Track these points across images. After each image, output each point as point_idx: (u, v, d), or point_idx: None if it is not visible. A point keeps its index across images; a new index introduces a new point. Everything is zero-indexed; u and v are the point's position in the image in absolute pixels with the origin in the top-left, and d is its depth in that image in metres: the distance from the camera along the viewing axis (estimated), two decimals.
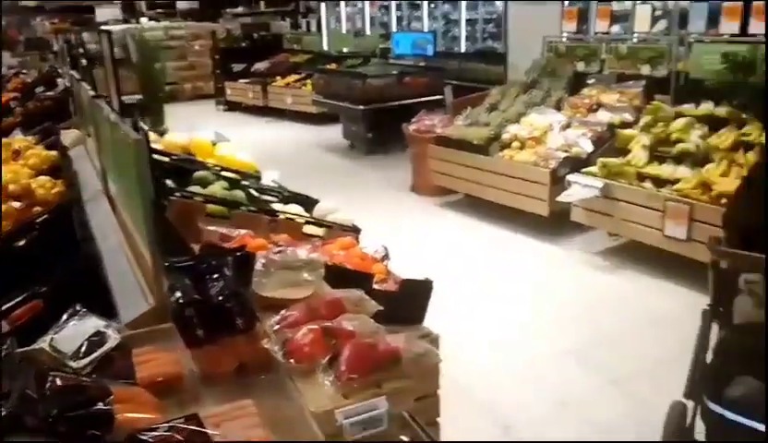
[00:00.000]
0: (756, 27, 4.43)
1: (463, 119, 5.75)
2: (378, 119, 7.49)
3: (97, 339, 1.50)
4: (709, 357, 2.17)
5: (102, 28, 4.91)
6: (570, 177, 4.43)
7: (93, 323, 1.54)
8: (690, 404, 2.25)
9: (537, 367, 3.16)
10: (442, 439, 2.32)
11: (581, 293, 3.97)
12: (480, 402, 2.89)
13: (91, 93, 3.06)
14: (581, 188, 4.30)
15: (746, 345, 2.05)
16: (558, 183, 4.56)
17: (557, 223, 4.76)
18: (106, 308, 1.88)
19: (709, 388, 2.09)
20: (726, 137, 4.11)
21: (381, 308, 1.56)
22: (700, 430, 2.16)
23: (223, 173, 3.03)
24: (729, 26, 4.64)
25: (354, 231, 2.77)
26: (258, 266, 1.72)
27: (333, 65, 9.76)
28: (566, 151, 4.74)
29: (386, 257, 2.54)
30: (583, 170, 4.47)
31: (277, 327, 1.44)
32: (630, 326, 3.52)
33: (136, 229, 2.05)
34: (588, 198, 4.29)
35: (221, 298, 1.41)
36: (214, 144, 3.71)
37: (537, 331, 3.51)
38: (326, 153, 8.11)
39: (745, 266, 2.09)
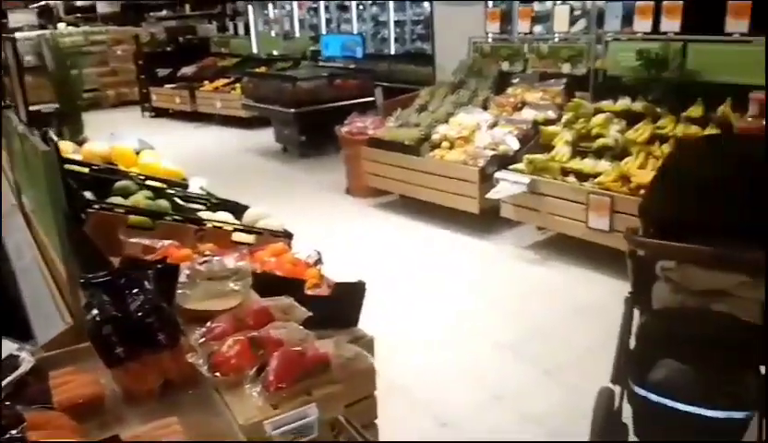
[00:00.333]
0: (667, 25, 4.66)
1: (394, 120, 5.80)
2: (310, 122, 7.45)
3: (9, 363, 1.42)
4: (633, 343, 2.27)
5: (7, 34, 4.65)
6: (497, 174, 4.55)
7: (6, 347, 1.45)
8: (617, 389, 2.34)
9: (473, 363, 3.22)
10: (380, 440, 2.33)
11: (513, 286, 4.07)
12: (418, 401, 2.92)
13: None
14: (508, 185, 4.41)
15: (665, 329, 2.15)
16: (487, 180, 4.66)
17: (488, 220, 4.87)
18: (22, 330, 1.78)
19: (633, 372, 2.18)
20: (642, 131, 4.31)
21: (310, 314, 1.55)
22: (628, 414, 2.25)
23: (147, 183, 2.93)
24: (642, 24, 4.85)
25: (286, 236, 2.74)
26: (183, 277, 1.67)
27: (263, 69, 9.63)
28: (493, 149, 4.86)
29: (319, 261, 2.53)
30: (511, 167, 4.59)
31: (202, 340, 1.40)
32: (560, 316, 3.64)
33: (51, 245, 1.95)
34: (516, 194, 4.41)
35: (141, 313, 1.36)
36: (137, 152, 3.58)
37: (473, 327, 3.57)
38: (258, 158, 7.99)
39: (660, 254, 2.19)
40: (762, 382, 2.10)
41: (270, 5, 13.69)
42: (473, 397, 2.93)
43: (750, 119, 3.69)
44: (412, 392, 2.97)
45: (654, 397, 2.09)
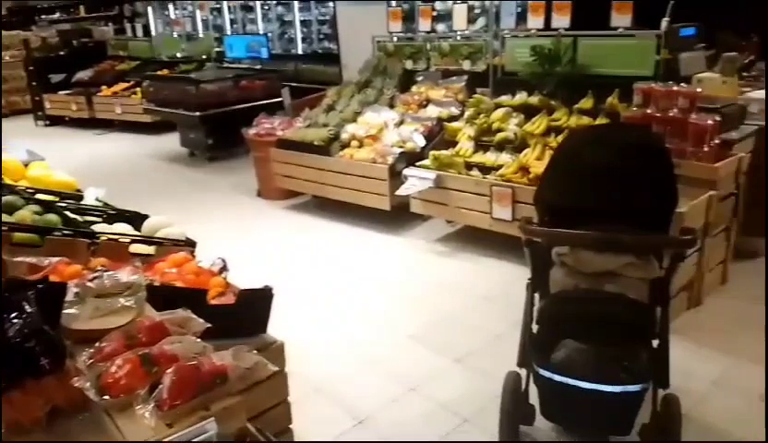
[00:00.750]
0: (558, 21, 4.89)
1: (303, 121, 5.76)
2: (217, 124, 7.26)
3: None
4: (536, 327, 2.38)
5: None
6: (406, 171, 4.62)
7: None
8: (523, 372, 2.44)
9: (388, 357, 3.26)
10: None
11: (424, 279, 4.16)
12: (335, 400, 2.92)
13: None
14: (416, 181, 4.50)
15: (562, 312, 2.26)
16: (396, 177, 4.73)
17: (399, 216, 4.94)
18: None
19: (537, 355, 2.29)
20: (539, 124, 4.51)
21: (209, 326, 1.51)
22: (536, 395, 2.35)
23: (36, 196, 2.75)
24: (535, 21, 5.07)
25: (189, 245, 2.66)
26: (70, 296, 1.58)
27: (165, 71, 9.28)
28: (401, 147, 4.93)
29: (224, 268, 2.47)
30: (418, 163, 4.68)
31: (90, 361, 1.34)
32: (470, 305, 3.75)
33: None
34: (424, 190, 4.50)
35: (19, 338, 1.28)
36: (26, 164, 3.37)
37: (387, 322, 3.61)
38: (163, 164, 7.70)
39: (551, 240, 2.30)
40: (653, 355, 2.26)
41: (171, 6, 13.21)
42: (388, 391, 2.97)
43: (635, 108, 3.94)
44: (328, 393, 2.97)
45: (557, 377, 2.20)
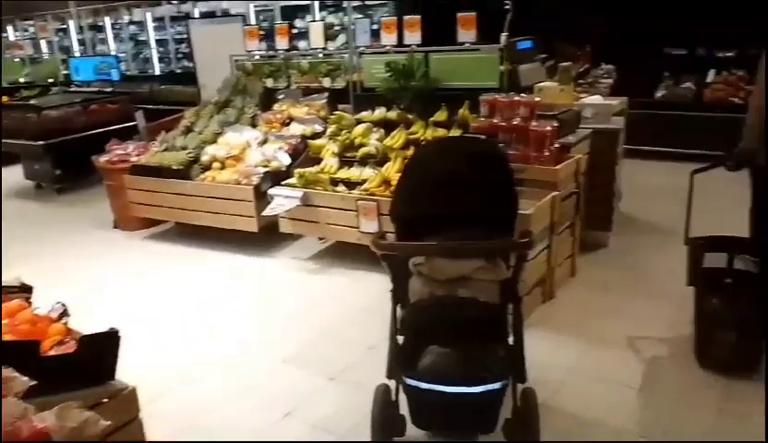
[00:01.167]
0: (410, 38, 5.07)
1: (159, 145, 5.49)
2: (64, 153, 6.74)
3: None
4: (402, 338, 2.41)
5: None
6: (271, 191, 4.55)
7: None
8: (393, 384, 2.47)
9: (262, 383, 3.17)
10: None
11: (298, 298, 4.10)
12: (208, 436, 2.78)
13: None
14: (283, 200, 4.44)
15: (420, 320, 2.32)
16: (262, 198, 4.63)
17: (269, 237, 4.85)
18: None
19: (404, 364, 2.32)
20: (398, 138, 4.63)
21: (34, 383, 1.37)
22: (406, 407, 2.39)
23: None
24: (389, 39, 5.23)
25: (24, 291, 2.42)
26: None
27: (4, 98, 8.47)
28: (266, 166, 4.85)
29: (64, 314, 2.27)
30: (284, 182, 4.62)
31: None
32: (345, 319, 3.76)
33: None
34: (291, 209, 4.45)
35: None
36: None
37: (261, 346, 3.52)
38: (5, 200, 6.99)
39: (403, 253, 2.36)
40: (510, 352, 2.38)
41: (10, 28, 12.16)
42: (263, 419, 2.88)
43: (482, 119, 4.17)
44: (200, 429, 2.82)
45: (423, 385, 2.24)
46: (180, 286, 4.42)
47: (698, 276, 3.09)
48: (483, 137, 3.98)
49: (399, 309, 2.47)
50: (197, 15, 9.53)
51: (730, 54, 6.52)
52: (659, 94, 6.93)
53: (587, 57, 7.32)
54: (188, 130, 5.50)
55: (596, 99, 4.88)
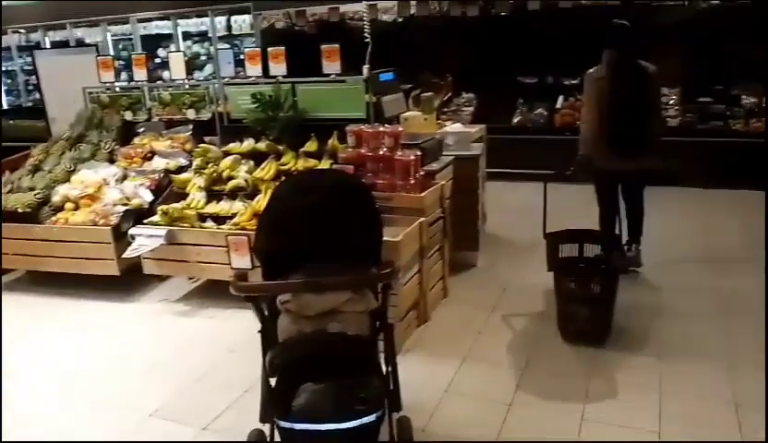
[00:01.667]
0: (275, 69, 5.04)
1: (2, 186, 4.99)
2: None
3: None
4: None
5: None
6: (132, 230, 4.28)
7: None
8: (267, 428, 2.38)
9: (129, 437, 2.93)
10: None
11: (167, 344, 3.87)
12: None
13: None
14: (145, 240, 4.19)
15: (288, 360, 2.25)
16: (123, 238, 4.35)
17: (133, 280, 4.54)
18: None
19: (277, 406, 2.24)
20: (268, 169, 4.56)
21: None
22: None
23: None
24: (254, 70, 5.17)
25: None
26: None
27: None
28: (126, 204, 4.57)
29: None
30: (146, 221, 4.37)
31: None
32: (218, 362, 3.58)
33: None
34: (155, 248, 4.21)
35: None
36: None
37: (128, 402, 3.25)
38: None
39: (264, 293, 2.29)
40: (385, 381, 2.38)
41: None
42: None
43: (350, 149, 4.22)
44: None
45: (297, 426, 2.17)
46: (30, 341, 4.01)
47: (556, 263, 3.64)
48: (351, 166, 4.03)
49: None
50: (47, 44, 8.89)
51: (575, 82, 7.14)
52: (515, 120, 7.43)
53: (449, 87, 7.73)
54: (36, 169, 5.06)
55: (457, 127, 5.13)
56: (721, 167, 6.47)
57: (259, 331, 2.42)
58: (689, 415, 2.85)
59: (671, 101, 6.97)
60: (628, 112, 4.01)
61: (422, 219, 3.73)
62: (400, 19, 8.35)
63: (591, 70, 4.23)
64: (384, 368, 2.43)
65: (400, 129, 4.09)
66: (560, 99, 7.34)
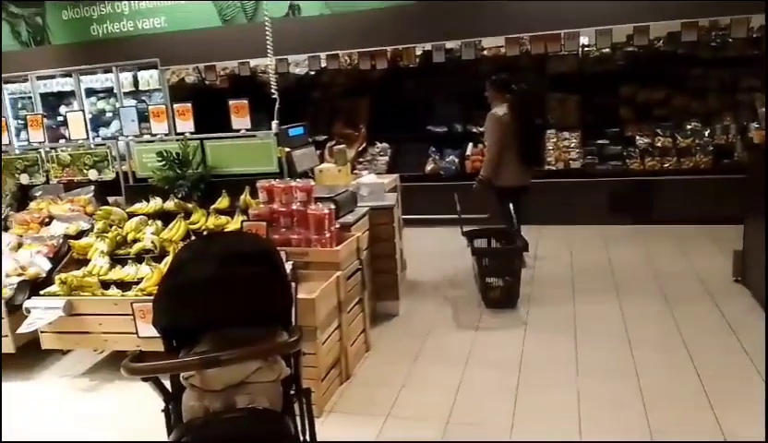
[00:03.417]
0: (182, 126, 4.91)
1: None
2: None
3: None
4: None
5: None
6: (27, 303, 3.96)
7: None
8: None
9: None
10: None
11: (68, 427, 3.53)
12: None
13: None
14: (42, 312, 3.88)
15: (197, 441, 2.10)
16: (17, 312, 4.01)
17: (33, 355, 4.19)
18: None
19: None
20: (176, 229, 4.38)
21: None
22: None
23: None
24: (159, 127, 5.02)
25: None
26: None
27: None
28: (21, 274, 4.23)
29: None
30: (43, 291, 4.06)
31: None
32: None
33: None
34: (55, 320, 3.91)
35: None
36: None
37: None
38: None
39: (158, 373, 2.14)
40: None
41: None
42: None
43: (261, 205, 4.13)
44: None
45: None
46: None
47: (474, 251, 4.96)
48: (263, 223, 3.93)
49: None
50: None
51: (482, 129, 7.40)
52: (428, 168, 7.58)
53: (363, 138, 7.82)
54: None
55: (371, 178, 5.16)
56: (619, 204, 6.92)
57: (162, 410, 2.26)
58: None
59: (572, 144, 7.35)
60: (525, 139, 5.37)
61: (339, 273, 3.67)
62: (312, 72, 8.45)
63: (495, 111, 5.45)
64: (302, 437, 2.31)
65: (312, 184, 4.05)
66: (470, 146, 7.57)
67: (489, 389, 3.57)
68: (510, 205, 5.34)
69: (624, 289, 5.02)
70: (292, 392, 2.30)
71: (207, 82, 8.81)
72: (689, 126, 7.11)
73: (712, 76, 7.25)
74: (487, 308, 4.75)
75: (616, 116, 7.47)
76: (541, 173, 6.47)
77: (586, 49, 7.59)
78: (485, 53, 7.71)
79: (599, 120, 7.47)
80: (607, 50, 7.43)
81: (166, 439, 2.23)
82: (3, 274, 4.24)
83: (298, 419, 2.31)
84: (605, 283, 5.20)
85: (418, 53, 7.82)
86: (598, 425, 3.12)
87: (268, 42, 5.08)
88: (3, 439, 2.69)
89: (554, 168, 7.23)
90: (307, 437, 2.33)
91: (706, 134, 7.00)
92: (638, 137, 7.21)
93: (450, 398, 3.49)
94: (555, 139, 7.39)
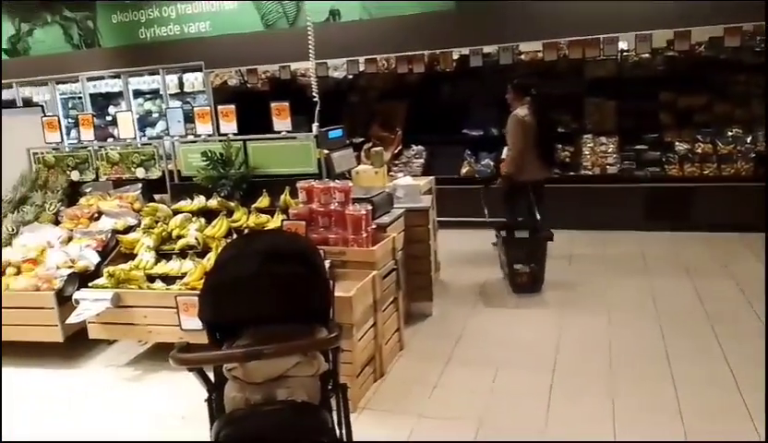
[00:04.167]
0: (226, 127, 5.07)
1: None
2: None
3: None
4: None
5: None
6: (77, 295, 4.16)
7: None
8: None
9: None
10: None
11: (109, 414, 3.69)
12: None
13: None
14: (90, 304, 4.07)
15: (233, 436, 2.17)
16: (67, 303, 4.21)
17: (80, 345, 4.38)
18: None
19: None
20: (219, 226, 4.53)
21: None
22: None
23: None
24: (204, 128, 5.18)
25: None
26: None
27: None
28: (71, 267, 4.44)
29: None
30: (91, 284, 4.25)
31: None
32: (164, 436, 3.43)
33: None
34: (102, 312, 4.09)
35: None
36: None
37: None
38: None
39: (204, 364, 2.24)
40: None
41: None
42: None
43: (301, 205, 4.25)
44: None
45: None
46: None
47: (503, 241, 5.34)
48: (303, 222, 4.05)
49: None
50: None
51: None
52: (463, 171, 7.62)
53: (399, 140, 7.89)
54: None
55: (407, 180, 5.23)
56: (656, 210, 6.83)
57: (206, 400, 2.37)
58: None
59: (609, 149, 7.29)
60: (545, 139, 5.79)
61: (374, 272, 3.76)
62: (350, 76, 8.58)
63: (517, 112, 5.77)
64: (338, 432, 2.40)
65: (350, 185, 4.14)
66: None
67: (522, 391, 3.60)
68: (532, 196, 5.70)
69: (659, 295, 4.97)
70: (329, 387, 2.39)
71: (248, 85, 9.02)
72: (730, 133, 6.98)
73: (755, 82, 7.10)
74: (514, 293, 5.21)
75: (654, 122, 7.37)
76: (578, 177, 7.12)
77: (625, 54, 7.52)
78: (522, 57, 7.71)
79: (637, 125, 7.38)
80: (647, 55, 7.34)
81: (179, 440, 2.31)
82: (54, 266, 4.46)
83: (334, 414, 2.40)
84: (639, 281, 5.18)
85: (455, 57, 7.86)
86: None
87: (310, 46, 5.20)
88: (3, 439, 2.84)
89: (590, 173, 7.18)
90: (343, 431, 2.41)
91: (748, 140, 6.87)
92: (677, 143, 7.11)
93: (482, 399, 3.54)
94: (592, 144, 7.34)
